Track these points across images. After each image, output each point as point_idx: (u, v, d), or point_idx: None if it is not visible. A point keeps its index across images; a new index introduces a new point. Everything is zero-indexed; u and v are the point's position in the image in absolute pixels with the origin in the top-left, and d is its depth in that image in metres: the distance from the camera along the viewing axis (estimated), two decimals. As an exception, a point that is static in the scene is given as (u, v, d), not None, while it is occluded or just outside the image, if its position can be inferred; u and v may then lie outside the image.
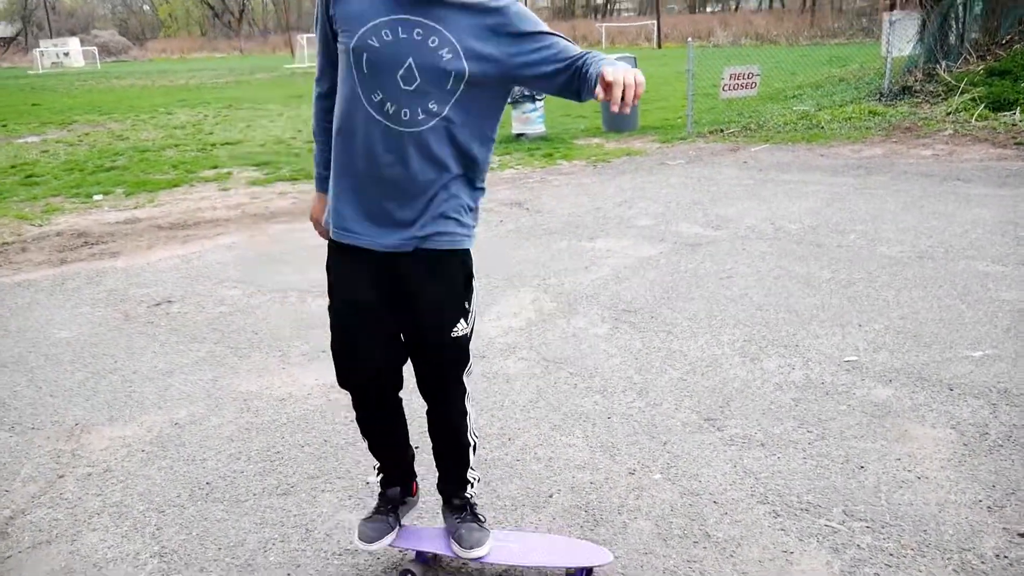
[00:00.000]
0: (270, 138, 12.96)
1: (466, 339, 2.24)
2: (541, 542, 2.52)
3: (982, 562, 2.39)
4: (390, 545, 2.43)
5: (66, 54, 52.09)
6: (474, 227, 2.23)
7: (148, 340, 4.51)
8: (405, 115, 2.01)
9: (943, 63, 12.18)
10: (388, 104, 2.00)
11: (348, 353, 2.26)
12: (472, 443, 2.41)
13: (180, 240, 6.77)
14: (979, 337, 3.94)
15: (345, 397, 3.66)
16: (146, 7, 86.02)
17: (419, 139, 2.03)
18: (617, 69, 1.83)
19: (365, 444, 2.47)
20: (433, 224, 2.11)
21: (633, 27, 50.51)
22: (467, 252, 2.21)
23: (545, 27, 2.07)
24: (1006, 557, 2.40)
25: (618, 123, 12.04)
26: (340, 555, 2.58)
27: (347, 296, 2.20)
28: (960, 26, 12.87)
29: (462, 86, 2.01)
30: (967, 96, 10.94)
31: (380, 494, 2.49)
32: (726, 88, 11.71)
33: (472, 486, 2.45)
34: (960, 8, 12.77)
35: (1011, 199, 6.70)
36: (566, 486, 2.89)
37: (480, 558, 2.36)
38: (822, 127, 11.09)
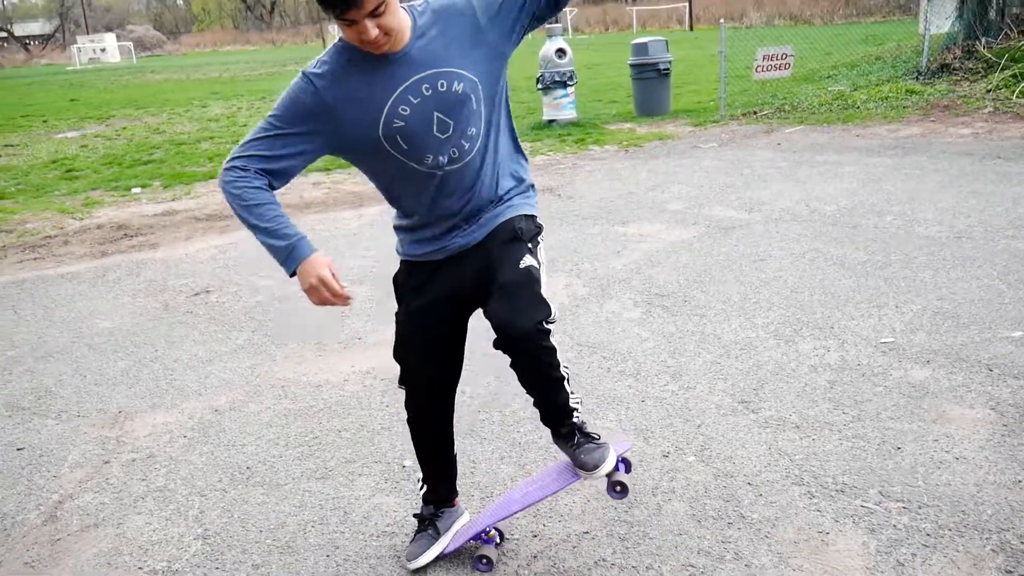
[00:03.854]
0: (303, 129, 13.05)
1: (537, 271, 2.19)
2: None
3: (1022, 542, 2.36)
4: (444, 553, 2.46)
5: (103, 50, 52.96)
6: (533, 193, 2.38)
7: (187, 329, 4.60)
8: (455, 154, 2.12)
9: (983, 39, 11.89)
10: (440, 158, 2.10)
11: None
12: (565, 376, 2.28)
13: (217, 231, 6.88)
14: (1019, 317, 3.88)
15: (380, 384, 3.73)
16: (179, 1, 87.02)
17: (473, 162, 2.15)
18: None
19: (423, 472, 2.52)
20: (501, 213, 2.24)
21: (664, 10, 49.97)
22: (527, 216, 2.27)
23: None
24: (1047, 538, 2.38)
25: (650, 107, 11.96)
26: (377, 537, 2.62)
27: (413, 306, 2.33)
28: (1000, 1, 12.56)
29: (483, 93, 2.11)
30: (1008, 73, 10.69)
31: (417, 516, 2.54)
32: (759, 70, 11.57)
33: (576, 411, 2.34)
34: (1001, -18, 12.46)
35: (1054, 177, 6.55)
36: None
37: (609, 471, 2.31)
38: (858, 107, 10.91)
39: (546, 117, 11.55)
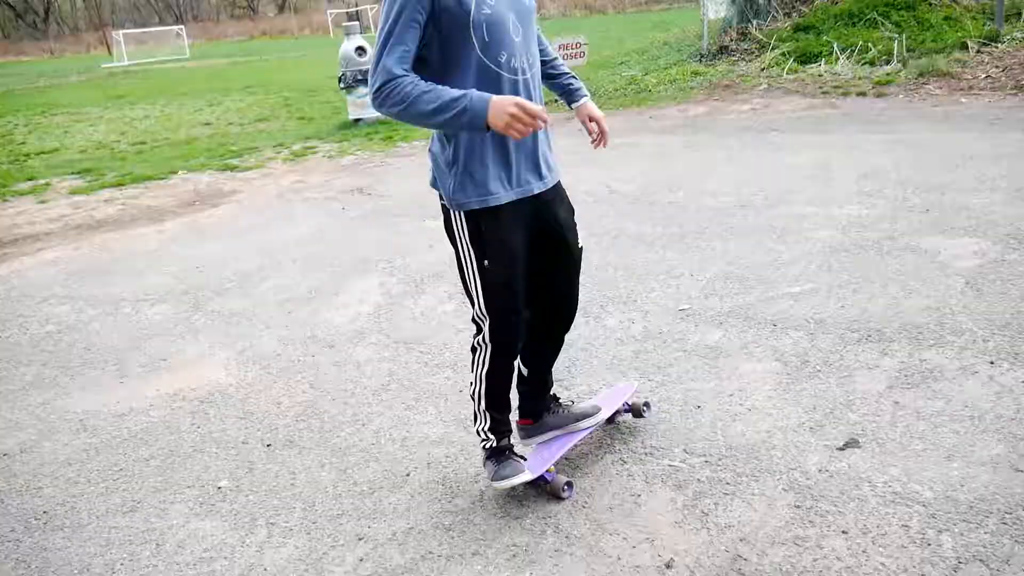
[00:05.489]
0: (91, 143, 12.18)
1: None
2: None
3: (807, 478, 2.59)
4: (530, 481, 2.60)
5: None
6: None
7: (-34, 370, 4.18)
8: (526, 63, 2.27)
9: (754, 22, 12.88)
10: (512, 60, 2.24)
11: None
12: None
13: (-5, 260, 6.28)
14: (797, 275, 4.25)
15: (189, 405, 3.56)
16: (-65, 11, 78.56)
17: (536, 80, 2.33)
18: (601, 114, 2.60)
19: (491, 420, 2.61)
20: (550, 161, 2.45)
21: (465, 4, 50.43)
22: None
23: None
24: (827, 471, 2.62)
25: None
26: (194, 564, 2.50)
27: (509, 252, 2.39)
28: (767, -14, 13.63)
29: (534, 26, 2.36)
30: (778, 52, 11.63)
31: (496, 449, 2.62)
32: (557, 59, 11.93)
33: None
34: (766, -31, 13.51)
35: (820, 145, 7.21)
36: (422, 463, 2.92)
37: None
38: (650, 90, 11.52)
39: (352, 116, 11.39)
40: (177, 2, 76.95)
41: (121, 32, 41.36)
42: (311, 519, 2.66)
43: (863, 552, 2.24)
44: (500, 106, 2.08)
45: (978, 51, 10.11)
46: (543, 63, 2.56)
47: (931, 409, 2.90)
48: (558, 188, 2.49)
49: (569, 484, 2.64)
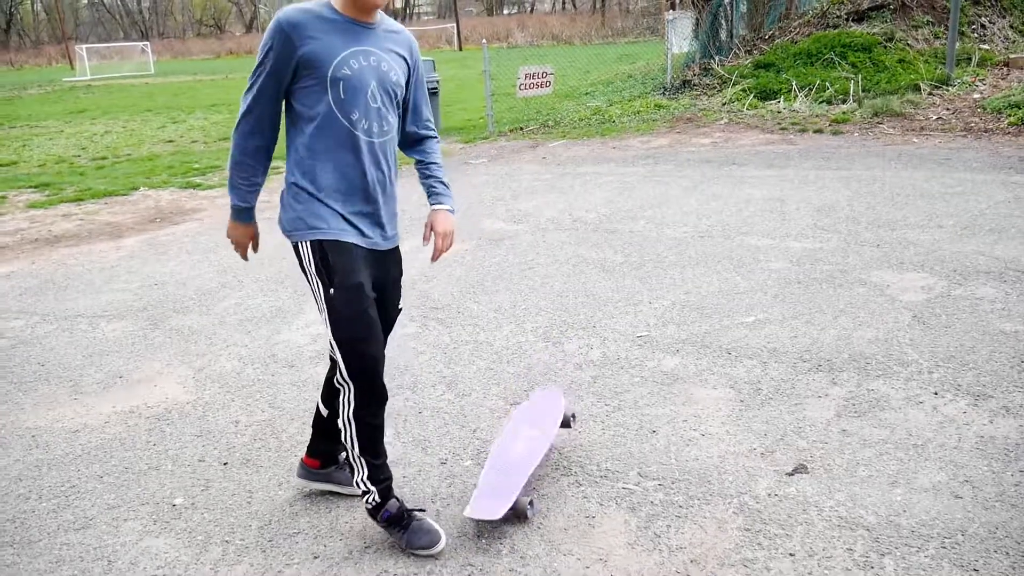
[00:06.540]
0: (50, 157, 12.02)
1: None
2: (535, 425, 2.97)
3: (757, 502, 2.66)
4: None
5: None
6: None
7: (-85, 384, 4.10)
8: (377, 127, 2.43)
9: (717, 58, 13.19)
10: (365, 123, 2.40)
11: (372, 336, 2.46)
12: None
13: (-52, 273, 6.17)
14: (752, 304, 4.35)
15: (145, 422, 3.54)
16: None
17: (390, 146, 2.50)
18: (449, 224, 2.60)
19: (367, 468, 2.52)
20: (393, 222, 2.57)
21: (434, 30, 50.89)
22: None
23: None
24: (776, 495, 2.69)
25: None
26: (147, 582, 2.49)
27: (354, 282, 2.40)
28: (729, 24, 13.98)
29: (399, 103, 2.51)
30: (739, 88, 11.91)
31: (395, 516, 2.55)
32: (522, 87, 12.09)
33: None
34: (728, 7, 13.87)
35: (777, 179, 7.40)
36: (380, 483, 2.93)
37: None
38: (613, 121, 11.70)
39: (318, 138, 11.38)
40: (143, 18, 76.35)
41: (84, 46, 40.92)
42: (267, 537, 2.66)
43: (809, 574, 2.31)
44: (233, 229, 2.59)
45: (930, 93, 10.47)
46: (422, 163, 2.67)
47: (877, 437, 3.00)
48: (396, 250, 2.60)
49: (531, 503, 2.68)
